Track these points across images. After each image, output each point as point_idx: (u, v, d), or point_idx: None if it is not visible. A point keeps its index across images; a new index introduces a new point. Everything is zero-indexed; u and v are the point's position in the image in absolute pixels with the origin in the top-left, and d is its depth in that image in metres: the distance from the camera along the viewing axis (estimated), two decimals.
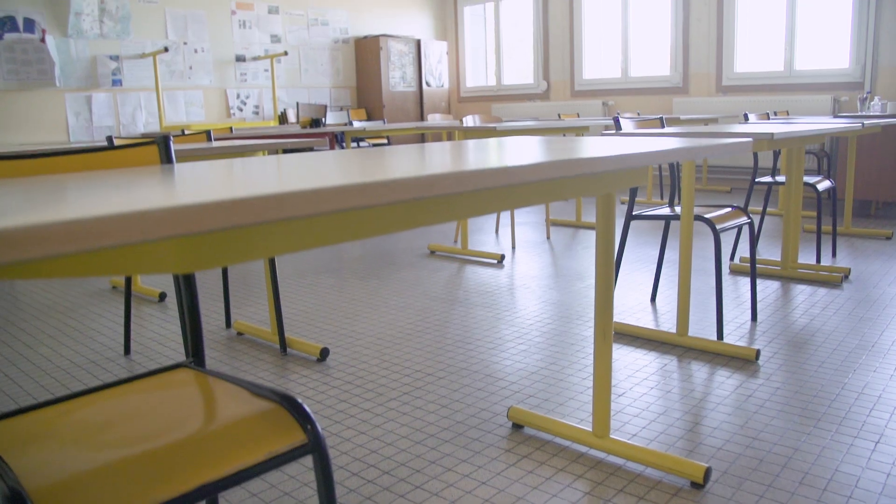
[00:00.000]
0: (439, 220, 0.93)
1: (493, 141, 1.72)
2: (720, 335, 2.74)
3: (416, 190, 0.74)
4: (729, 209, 2.95)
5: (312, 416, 1.08)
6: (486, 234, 5.28)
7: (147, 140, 1.22)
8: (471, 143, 1.67)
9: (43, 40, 6.26)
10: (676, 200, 2.77)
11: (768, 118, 4.40)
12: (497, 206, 1.03)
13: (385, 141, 8.13)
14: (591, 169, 1.01)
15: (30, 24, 6.20)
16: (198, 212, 0.58)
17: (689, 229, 2.64)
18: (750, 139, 1.53)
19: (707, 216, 2.75)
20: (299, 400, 1.10)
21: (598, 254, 1.80)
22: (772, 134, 2.33)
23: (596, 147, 1.34)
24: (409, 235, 5.25)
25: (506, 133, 4.37)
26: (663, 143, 1.41)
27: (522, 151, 1.27)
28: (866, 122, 3.60)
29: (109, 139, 2.69)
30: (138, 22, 6.90)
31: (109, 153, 1.21)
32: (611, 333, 1.83)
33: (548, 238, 5.03)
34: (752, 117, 4.19)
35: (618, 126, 2.75)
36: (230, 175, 0.95)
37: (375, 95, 8.73)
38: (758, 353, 2.55)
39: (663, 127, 3.04)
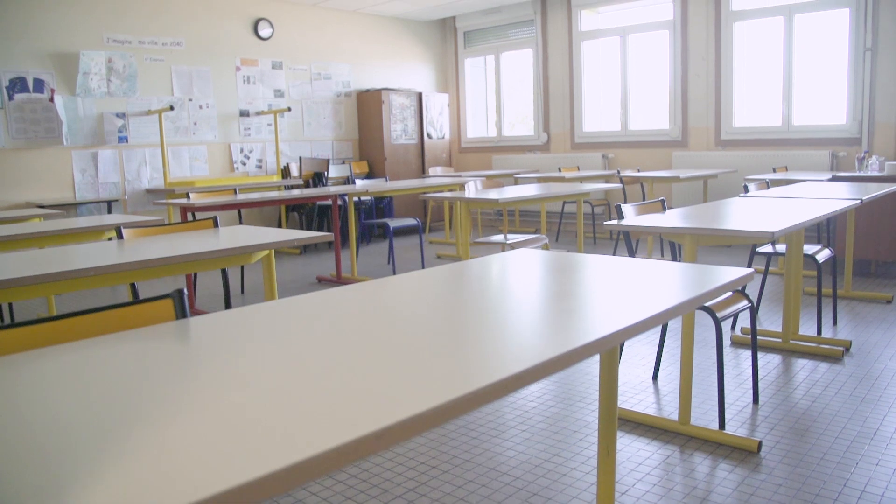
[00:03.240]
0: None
1: (497, 264, 1.76)
2: (722, 424, 2.75)
3: (425, 425, 0.78)
4: (729, 294, 2.99)
5: None
6: None
7: (163, 295, 1.26)
8: (475, 268, 1.71)
9: (52, 100, 6.37)
10: None
11: (767, 187, 4.46)
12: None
13: (388, 197, 8.20)
14: (600, 349, 1.05)
15: (39, 84, 6.31)
16: (227, 498, 0.61)
17: (690, 320, 2.68)
18: (752, 270, 1.56)
19: (707, 304, 2.78)
20: None
21: (601, 405, 1.83)
22: (772, 233, 2.38)
23: (603, 277, 1.38)
24: None
25: (507, 204, 4.43)
26: (671, 287, 1.44)
27: (529, 287, 1.30)
28: (865, 197, 3.65)
29: (118, 230, 2.74)
30: (144, 79, 7.02)
31: (127, 309, 1.25)
32: (614, 451, 1.85)
33: None
34: (751, 187, 4.25)
35: (620, 216, 2.80)
36: (246, 366, 0.99)
37: (377, 148, 8.83)
38: (759, 444, 2.57)
39: (664, 211, 3.09)
